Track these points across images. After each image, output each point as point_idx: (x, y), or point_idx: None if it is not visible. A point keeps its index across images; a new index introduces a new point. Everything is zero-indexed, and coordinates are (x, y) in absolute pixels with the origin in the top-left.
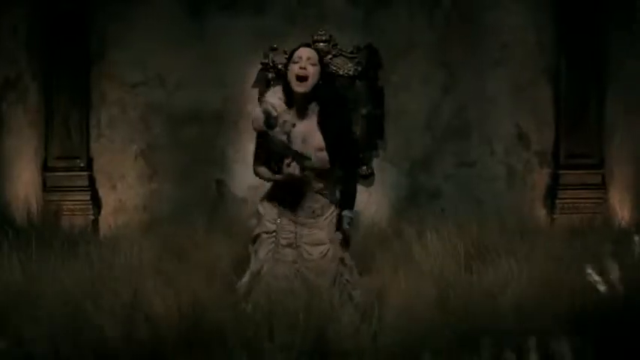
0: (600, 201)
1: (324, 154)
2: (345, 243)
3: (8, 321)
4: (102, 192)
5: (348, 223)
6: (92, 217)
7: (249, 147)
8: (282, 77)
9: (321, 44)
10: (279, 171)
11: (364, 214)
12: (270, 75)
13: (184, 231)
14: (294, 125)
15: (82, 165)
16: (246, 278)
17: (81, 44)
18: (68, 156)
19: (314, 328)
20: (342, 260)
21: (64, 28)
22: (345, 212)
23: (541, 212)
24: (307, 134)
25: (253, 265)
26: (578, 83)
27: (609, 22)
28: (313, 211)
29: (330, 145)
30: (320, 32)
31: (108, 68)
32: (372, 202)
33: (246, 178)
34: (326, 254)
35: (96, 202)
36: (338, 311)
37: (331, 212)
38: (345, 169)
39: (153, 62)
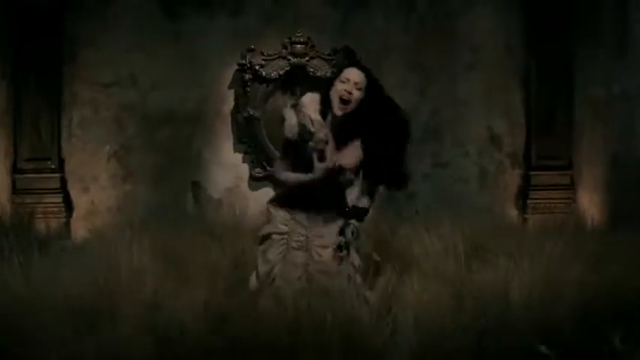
0: (569, 201)
1: (354, 166)
2: (346, 249)
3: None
4: (74, 194)
5: (352, 232)
6: (64, 220)
7: (226, 148)
8: (325, 89)
9: (299, 46)
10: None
11: None
12: (247, 76)
13: (168, 233)
14: (326, 142)
15: (53, 167)
16: (254, 280)
17: (52, 43)
18: (39, 157)
19: (340, 328)
20: (352, 263)
21: (35, 26)
22: (352, 221)
23: (513, 212)
24: (340, 154)
25: (262, 267)
26: (547, 86)
27: (577, 27)
28: (324, 215)
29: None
30: (298, 34)
31: (80, 68)
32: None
33: (222, 180)
34: (336, 256)
35: (68, 205)
36: (358, 312)
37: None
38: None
39: (127, 62)
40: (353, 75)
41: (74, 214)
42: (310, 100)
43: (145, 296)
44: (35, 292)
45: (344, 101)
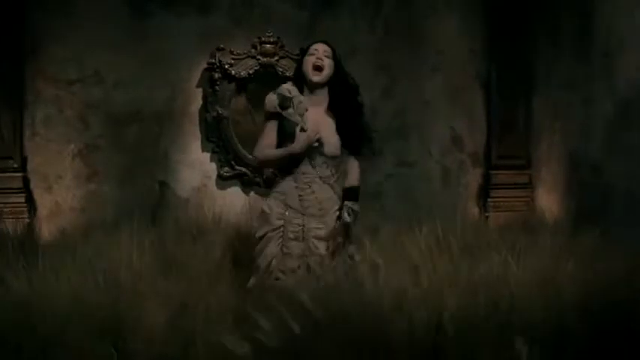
0: (528, 199)
1: (336, 140)
2: (346, 235)
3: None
4: (37, 194)
5: (349, 214)
6: (27, 221)
7: (193, 147)
8: (296, 70)
9: (268, 45)
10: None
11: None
12: (216, 75)
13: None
14: (306, 110)
15: (15, 166)
16: (254, 277)
17: (14, 39)
18: (0, 156)
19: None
20: (350, 257)
21: None
22: (347, 203)
23: (474, 210)
24: (319, 121)
25: (262, 262)
26: (507, 89)
27: (538, 32)
28: (320, 202)
29: (341, 133)
30: (268, 33)
31: (43, 65)
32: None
33: (189, 179)
34: (332, 250)
35: (31, 205)
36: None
37: (337, 208)
38: (354, 153)
39: (92, 60)
40: (319, 46)
41: (38, 214)
42: (285, 84)
43: (111, 300)
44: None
45: (317, 68)
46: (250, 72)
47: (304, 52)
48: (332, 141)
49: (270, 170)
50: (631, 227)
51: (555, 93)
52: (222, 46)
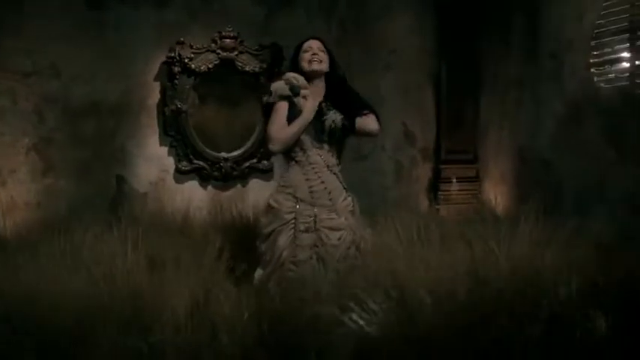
0: (475, 192)
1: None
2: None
3: None
4: None
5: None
6: None
7: (151, 141)
8: (291, 65)
9: (228, 40)
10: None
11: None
12: (176, 69)
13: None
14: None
15: None
16: (261, 270)
17: None
18: None
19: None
20: (357, 247)
21: None
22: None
23: (425, 203)
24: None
25: (273, 255)
26: (456, 87)
27: (486, 32)
28: (330, 192)
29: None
30: (228, 28)
31: None
32: (263, 195)
33: (147, 174)
34: (344, 240)
35: None
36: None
37: (344, 197)
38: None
39: (48, 52)
40: (313, 42)
41: None
42: (290, 73)
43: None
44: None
45: (314, 62)
46: (210, 66)
47: (297, 49)
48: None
49: (229, 164)
50: (581, 219)
51: (503, 91)
52: (182, 39)
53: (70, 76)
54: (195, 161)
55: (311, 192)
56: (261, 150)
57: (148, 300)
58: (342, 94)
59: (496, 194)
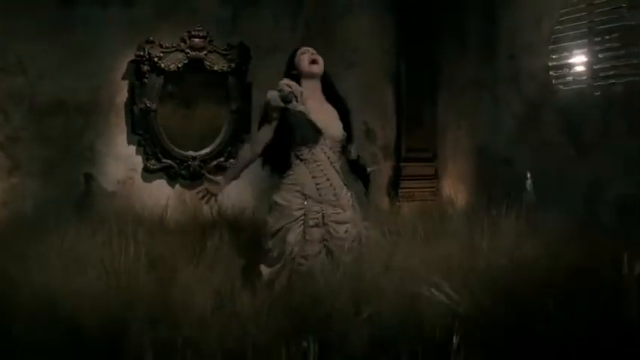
0: (434, 189)
1: (338, 124)
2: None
3: None
4: None
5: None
6: None
7: (119, 140)
8: (287, 68)
9: (197, 40)
10: (302, 141)
11: (231, 203)
12: (145, 67)
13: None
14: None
15: None
16: (266, 267)
17: None
18: None
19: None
20: (359, 241)
21: None
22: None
23: (386, 200)
24: (319, 109)
25: (283, 251)
26: (415, 86)
27: (445, 32)
28: (334, 188)
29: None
30: (197, 28)
31: None
32: (238, 191)
33: (115, 172)
34: (350, 233)
35: None
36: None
37: (345, 192)
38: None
39: (14, 48)
40: (307, 47)
41: None
42: (282, 80)
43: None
44: None
45: (314, 61)
46: (179, 65)
47: (293, 54)
48: (334, 125)
49: (197, 163)
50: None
51: (462, 91)
52: (151, 38)
53: (37, 73)
54: (164, 160)
55: (318, 189)
56: (228, 149)
57: (173, 296)
58: (333, 95)
59: (455, 191)
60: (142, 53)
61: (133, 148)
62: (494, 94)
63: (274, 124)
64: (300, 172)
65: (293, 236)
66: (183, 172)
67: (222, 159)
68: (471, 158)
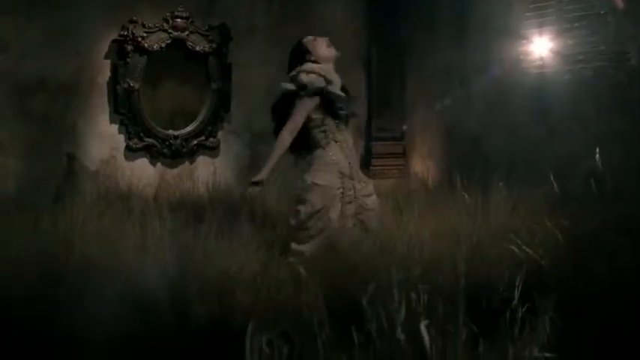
0: (402, 167)
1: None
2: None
3: None
4: None
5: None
6: None
7: (101, 119)
8: (298, 55)
9: (179, 20)
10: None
11: (210, 183)
12: (128, 47)
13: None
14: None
15: None
16: (298, 245)
17: None
18: None
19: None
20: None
21: None
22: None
23: None
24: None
25: (321, 227)
26: (385, 68)
27: (415, 15)
28: (356, 164)
29: None
30: (180, 9)
31: None
32: (217, 172)
33: (98, 151)
34: (375, 203)
35: None
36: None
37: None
38: None
39: None
40: (310, 36)
41: None
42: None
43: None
44: None
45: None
46: (162, 45)
47: (299, 44)
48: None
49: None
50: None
51: (431, 73)
52: (134, 18)
53: (19, 52)
54: (146, 139)
55: (350, 167)
56: (209, 128)
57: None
58: None
59: (423, 169)
60: (125, 33)
61: (115, 127)
62: (463, 76)
63: (312, 105)
64: (335, 153)
65: (335, 214)
66: (165, 150)
67: (202, 138)
68: (440, 138)
